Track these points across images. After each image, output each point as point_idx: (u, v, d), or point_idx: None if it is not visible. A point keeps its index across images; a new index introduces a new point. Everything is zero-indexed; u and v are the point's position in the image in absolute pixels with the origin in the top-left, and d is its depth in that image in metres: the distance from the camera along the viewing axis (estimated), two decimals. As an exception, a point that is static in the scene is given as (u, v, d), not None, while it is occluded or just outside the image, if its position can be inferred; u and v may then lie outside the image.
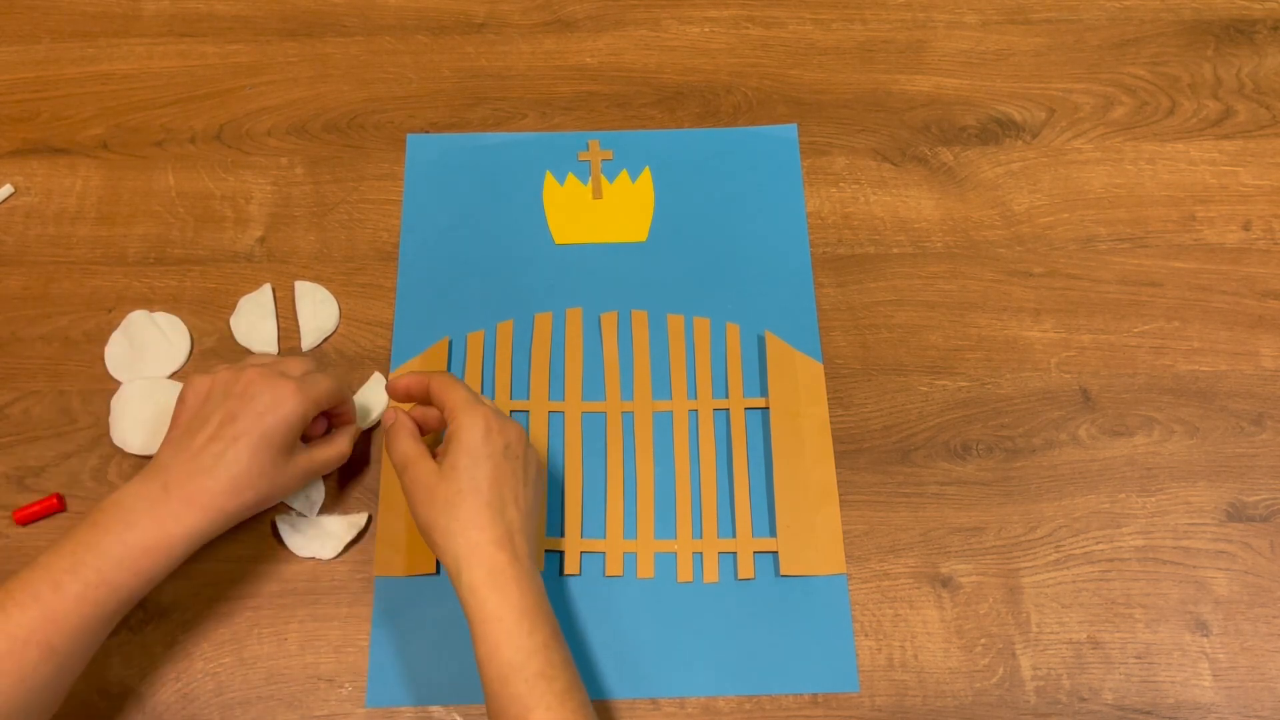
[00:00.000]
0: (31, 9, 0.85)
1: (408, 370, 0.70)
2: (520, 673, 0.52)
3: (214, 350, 0.71)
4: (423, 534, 0.57)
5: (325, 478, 0.67)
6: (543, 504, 0.62)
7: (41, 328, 0.72)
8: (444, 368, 0.71)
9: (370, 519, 0.66)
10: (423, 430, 0.63)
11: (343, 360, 0.71)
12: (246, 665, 0.62)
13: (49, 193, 0.77)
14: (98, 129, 0.80)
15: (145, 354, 0.71)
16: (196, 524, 0.56)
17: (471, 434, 0.57)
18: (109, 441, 0.68)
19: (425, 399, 0.62)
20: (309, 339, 0.71)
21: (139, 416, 0.68)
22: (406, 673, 0.62)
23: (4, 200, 0.77)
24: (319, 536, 0.65)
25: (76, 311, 0.73)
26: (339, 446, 0.64)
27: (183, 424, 0.60)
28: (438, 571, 0.64)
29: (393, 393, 0.62)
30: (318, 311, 0.72)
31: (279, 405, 0.59)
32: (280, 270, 0.74)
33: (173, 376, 0.70)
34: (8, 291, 0.74)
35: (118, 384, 0.70)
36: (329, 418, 0.66)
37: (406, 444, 0.59)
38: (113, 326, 0.72)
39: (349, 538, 0.65)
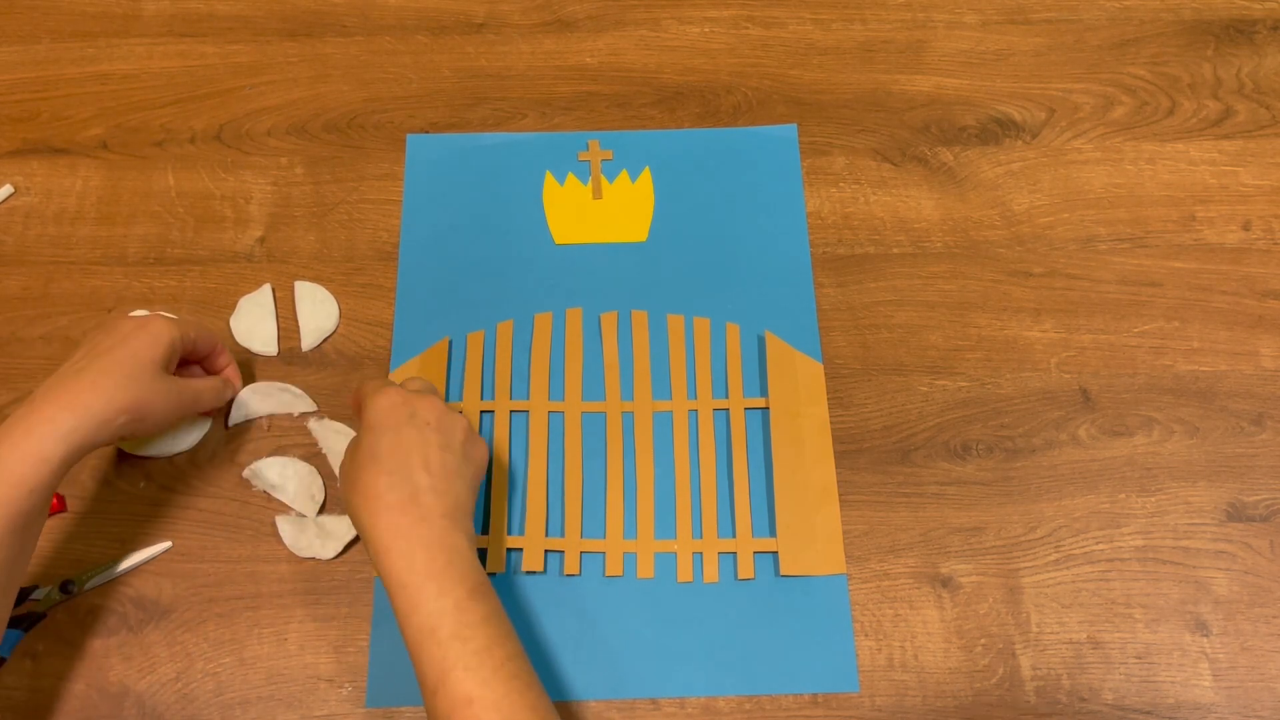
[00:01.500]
0: (31, 9, 0.85)
1: (406, 370, 0.70)
2: (433, 636, 0.52)
3: (214, 350, 0.71)
4: (345, 510, 0.58)
5: (326, 479, 0.67)
6: (479, 474, 0.61)
7: (41, 328, 0.72)
8: (444, 368, 0.71)
9: None
10: None
11: (343, 360, 0.71)
12: (246, 665, 0.62)
13: (49, 193, 0.77)
14: (98, 129, 0.80)
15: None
16: (66, 423, 0.56)
17: (374, 409, 0.58)
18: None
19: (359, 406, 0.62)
20: (309, 339, 0.71)
21: None
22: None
23: (4, 200, 0.77)
24: (320, 536, 0.65)
25: (76, 311, 0.73)
26: (215, 380, 0.66)
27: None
28: None
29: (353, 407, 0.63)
30: (317, 311, 0.72)
31: (144, 326, 0.61)
32: (280, 270, 0.74)
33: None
34: (8, 291, 0.74)
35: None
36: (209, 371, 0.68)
37: (357, 415, 0.60)
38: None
39: (349, 537, 0.65)
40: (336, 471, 0.67)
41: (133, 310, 0.72)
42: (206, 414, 0.68)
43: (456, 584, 0.53)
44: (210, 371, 0.68)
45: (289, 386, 0.70)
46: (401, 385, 0.60)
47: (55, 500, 0.66)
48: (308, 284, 0.73)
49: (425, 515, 0.55)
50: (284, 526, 0.65)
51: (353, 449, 0.58)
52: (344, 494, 0.58)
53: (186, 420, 0.67)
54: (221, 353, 0.68)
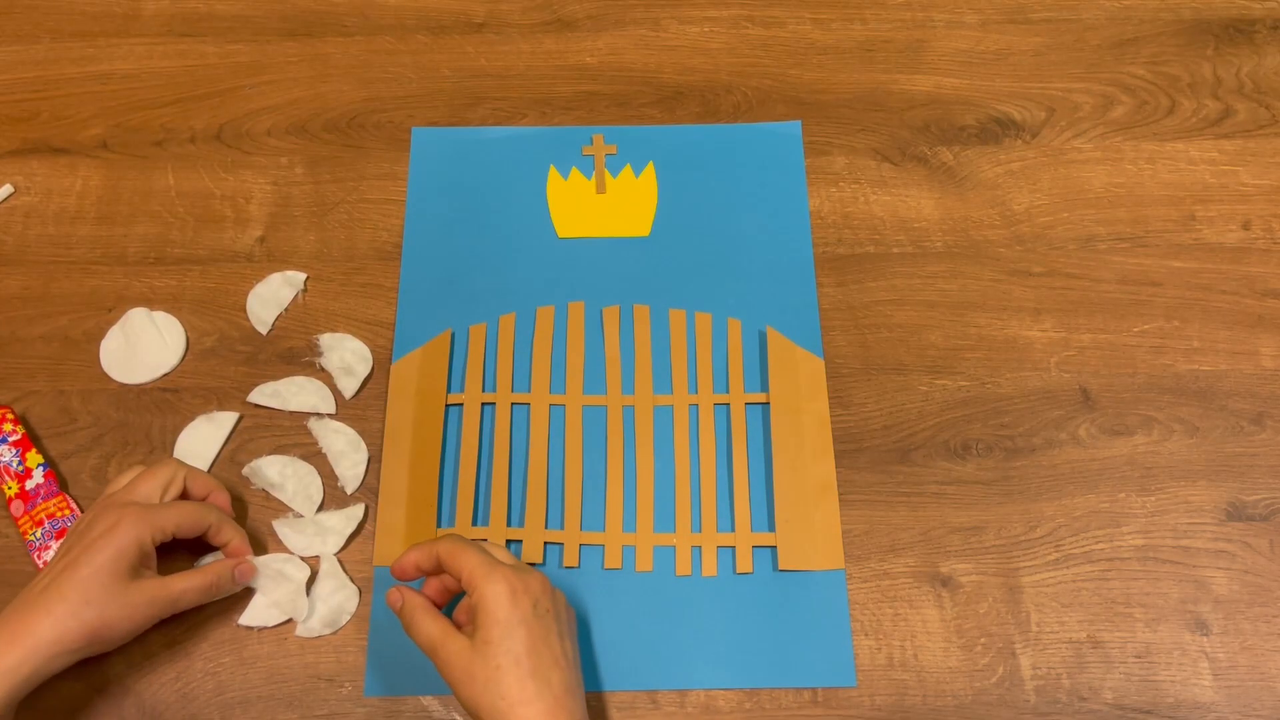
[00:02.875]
0: (31, 9, 0.85)
1: (409, 361, 0.70)
2: None
3: (213, 351, 0.71)
4: (469, 715, 0.54)
5: (325, 479, 0.67)
6: (576, 648, 0.59)
7: (41, 328, 0.72)
8: (446, 359, 0.71)
9: (367, 510, 0.66)
10: (437, 604, 0.60)
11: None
12: (246, 665, 0.62)
13: (49, 193, 0.77)
14: (98, 129, 0.80)
15: (140, 352, 0.71)
16: (11, 657, 0.53)
17: (497, 602, 0.54)
18: (109, 441, 0.68)
19: (435, 569, 0.58)
20: (349, 390, 0.70)
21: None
22: (405, 663, 0.62)
23: (4, 200, 0.77)
24: (319, 534, 0.65)
25: (76, 311, 0.73)
26: (204, 577, 0.60)
27: None
28: None
29: (401, 573, 0.59)
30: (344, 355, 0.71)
31: (112, 530, 0.57)
32: (280, 270, 0.74)
33: (165, 378, 0.70)
34: (8, 291, 0.74)
35: (115, 382, 0.70)
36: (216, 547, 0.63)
37: (428, 625, 0.56)
38: (112, 326, 0.72)
39: (349, 530, 0.65)
40: (337, 470, 0.67)
41: (132, 309, 0.72)
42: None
43: None
44: (215, 545, 0.63)
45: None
46: (488, 551, 0.57)
47: None
48: (337, 335, 0.72)
49: (572, 717, 0.54)
50: (283, 530, 0.65)
51: (481, 647, 0.54)
52: (472, 695, 0.53)
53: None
54: (218, 530, 0.62)
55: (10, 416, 0.67)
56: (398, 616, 0.58)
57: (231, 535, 0.63)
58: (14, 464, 0.66)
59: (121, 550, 0.57)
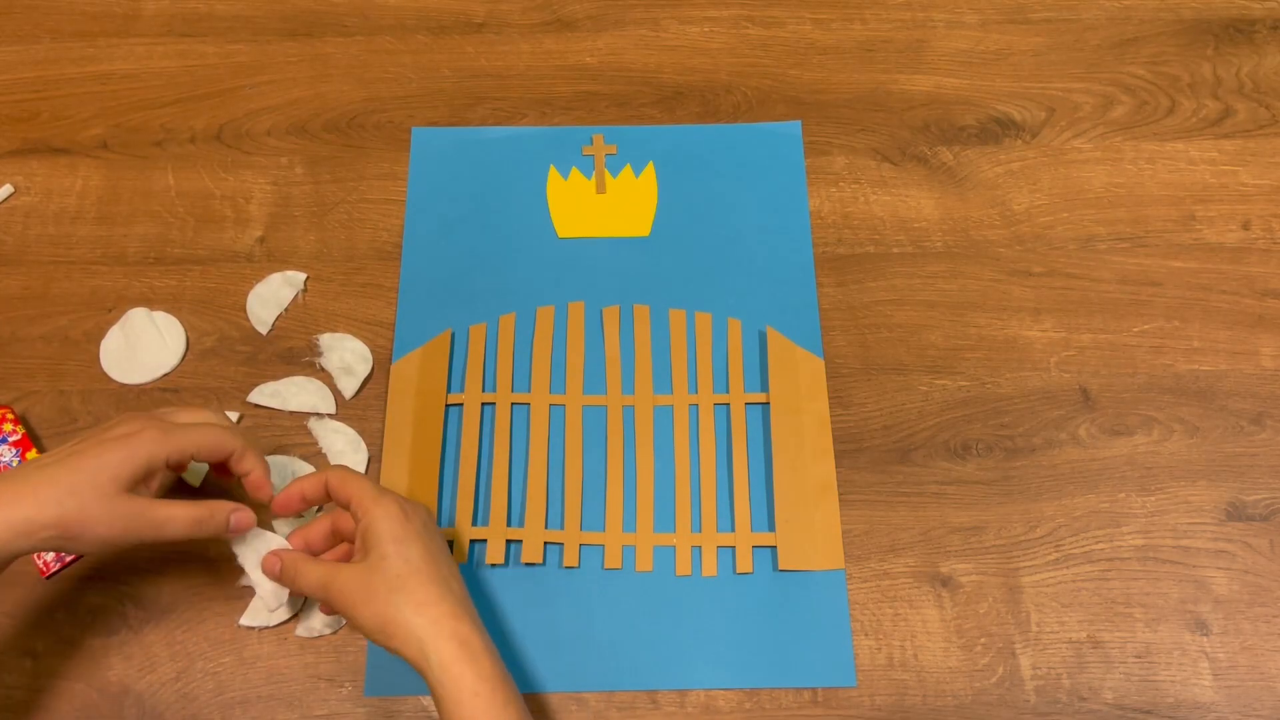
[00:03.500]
0: (31, 9, 0.85)
1: (409, 361, 0.70)
2: None
3: (213, 351, 0.71)
4: (376, 635, 0.54)
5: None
6: None
7: (41, 328, 0.72)
8: (446, 360, 0.71)
9: None
10: (312, 550, 0.60)
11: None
12: (246, 665, 0.62)
13: (49, 193, 0.77)
14: (98, 129, 0.80)
15: (140, 352, 0.71)
16: None
17: (391, 521, 0.56)
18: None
19: (321, 498, 0.59)
20: (349, 390, 0.70)
21: None
22: (405, 663, 0.62)
23: (4, 200, 0.77)
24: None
25: (76, 311, 0.73)
26: (196, 509, 0.57)
27: None
28: None
29: (285, 505, 0.59)
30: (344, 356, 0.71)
31: (129, 438, 0.55)
32: (280, 270, 0.74)
33: (165, 378, 0.70)
34: (8, 291, 0.74)
35: (115, 382, 0.70)
36: (230, 475, 0.61)
37: (312, 568, 0.57)
38: (112, 326, 0.72)
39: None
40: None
41: (132, 309, 0.72)
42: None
43: (513, 692, 0.54)
44: (236, 473, 0.60)
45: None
46: (369, 482, 0.58)
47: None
48: (336, 335, 0.72)
49: (475, 622, 0.55)
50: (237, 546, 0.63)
51: (378, 562, 0.54)
52: (374, 610, 0.53)
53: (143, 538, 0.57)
54: (242, 456, 0.59)
55: (10, 416, 0.67)
56: (278, 580, 0.58)
57: (254, 465, 0.60)
58: (14, 464, 0.66)
59: (129, 457, 0.54)
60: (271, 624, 0.63)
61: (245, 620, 0.63)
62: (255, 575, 0.60)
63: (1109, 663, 0.63)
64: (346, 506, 0.58)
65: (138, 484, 0.55)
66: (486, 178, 0.78)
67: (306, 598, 0.63)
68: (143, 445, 0.55)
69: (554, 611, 0.64)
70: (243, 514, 0.59)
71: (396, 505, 0.57)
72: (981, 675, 0.62)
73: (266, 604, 0.62)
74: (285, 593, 0.61)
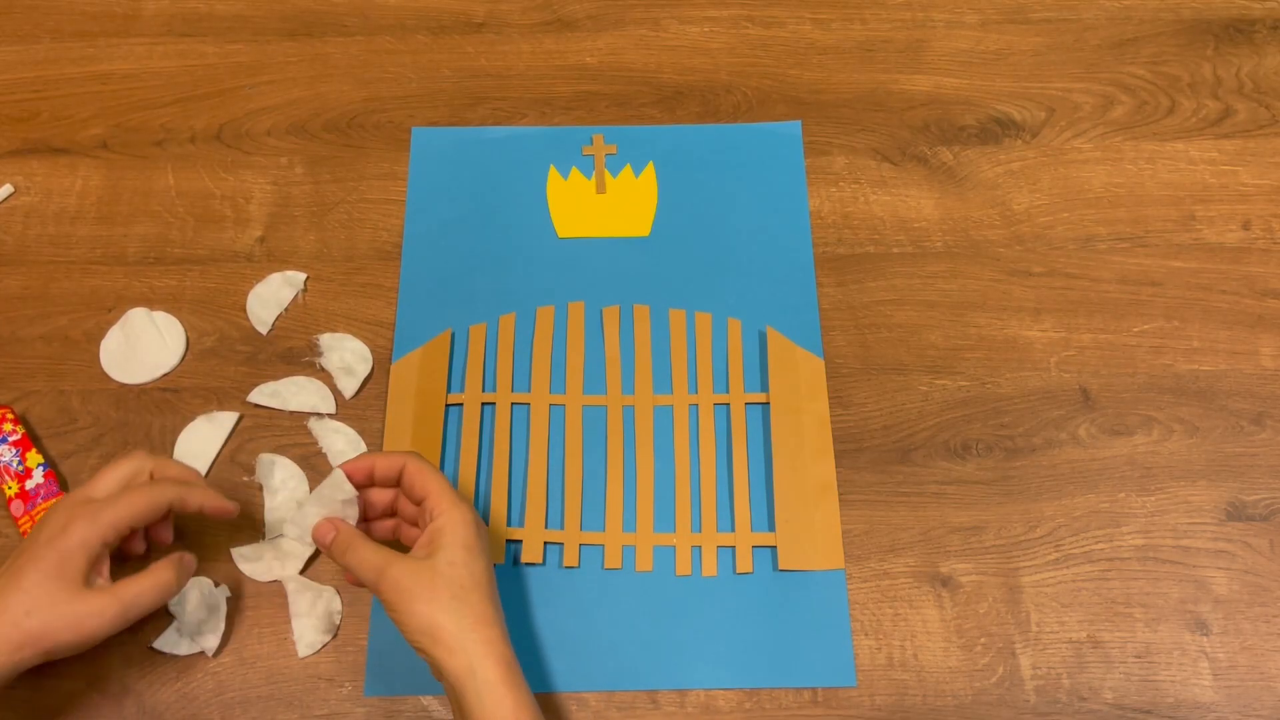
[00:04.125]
0: (31, 9, 0.85)
1: (409, 361, 0.70)
2: None
3: (213, 351, 0.71)
4: (419, 636, 0.53)
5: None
6: None
7: (41, 327, 0.72)
8: (446, 359, 0.71)
9: None
10: (367, 516, 0.60)
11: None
12: (246, 665, 0.62)
13: (49, 193, 0.77)
14: (98, 129, 0.80)
15: (139, 352, 0.71)
16: None
17: (467, 529, 0.55)
18: (109, 441, 0.68)
19: (391, 483, 0.59)
20: (349, 390, 0.70)
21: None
22: (404, 663, 0.62)
23: (4, 200, 0.77)
24: (278, 558, 0.64)
25: (76, 311, 0.73)
26: (151, 577, 0.56)
27: None
28: None
29: (353, 471, 0.58)
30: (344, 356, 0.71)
31: (60, 534, 0.54)
32: (280, 270, 0.74)
33: (165, 378, 0.70)
34: (8, 291, 0.74)
35: (115, 382, 0.70)
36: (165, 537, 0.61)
37: (370, 551, 0.55)
38: (112, 325, 0.72)
39: (308, 554, 0.65)
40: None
41: (132, 309, 0.72)
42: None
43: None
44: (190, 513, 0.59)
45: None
46: (447, 481, 0.57)
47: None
48: (336, 335, 0.72)
49: (509, 645, 0.54)
50: (239, 556, 0.64)
51: (447, 568, 0.54)
52: (431, 613, 0.53)
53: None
54: (185, 502, 0.57)
55: (10, 416, 0.67)
56: (326, 549, 0.56)
57: (201, 499, 0.58)
58: (14, 464, 0.66)
59: (67, 555, 0.53)
60: (180, 653, 0.62)
61: (158, 644, 0.62)
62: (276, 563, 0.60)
63: (1109, 663, 0.63)
64: (419, 499, 0.57)
65: (89, 576, 0.55)
66: (486, 178, 0.78)
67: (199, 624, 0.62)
68: (74, 536, 0.54)
69: (554, 611, 0.64)
70: (188, 557, 0.59)
71: (473, 514, 0.56)
72: (981, 675, 0.62)
73: (195, 642, 0.61)
74: (217, 634, 0.61)
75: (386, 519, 0.61)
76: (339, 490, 0.58)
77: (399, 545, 0.61)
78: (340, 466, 0.58)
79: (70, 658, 0.60)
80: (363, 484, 0.59)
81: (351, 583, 0.60)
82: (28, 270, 0.74)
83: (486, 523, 0.66)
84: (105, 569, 0.56)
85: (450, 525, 0.55)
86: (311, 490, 0.63)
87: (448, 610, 0.53)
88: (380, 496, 0.60)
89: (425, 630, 0.53)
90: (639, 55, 0.83)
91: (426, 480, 0.57)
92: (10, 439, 0.67)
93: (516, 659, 0.54)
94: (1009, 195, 0.77)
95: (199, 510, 0.59)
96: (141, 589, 0.55)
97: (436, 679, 0.54)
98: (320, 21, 0.85)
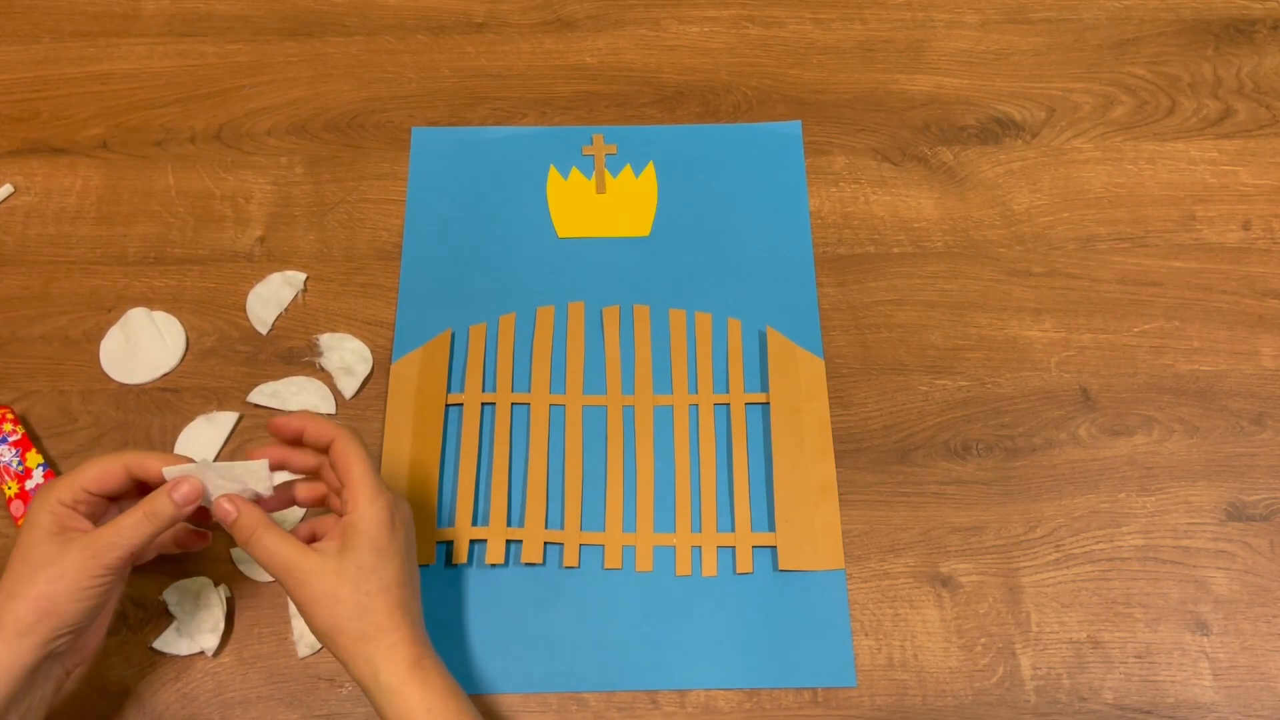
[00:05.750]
0: (31, 9, 0.85)
1: (409, 361, 0.70)
2: None
3: (213, 351, 0.71)
4: (322, 637, 0.53)
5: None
6: None
7: (41, 327, 0.72)
8: (446, 360, 0.70)
9: None
10: (288, 466, 0.57)
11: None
12: (246, 665, 0.62)
13: (49, 193, 0.77)
14: (98, 129, 0.80)
15: (140, 352, 0.71)
16: None
17: (379, 529, 0.53)
18: (109, 441, 0.68)
19: (322, 449, 0.56)
20: (348, 390, 0.70)
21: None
22: None
23: (4, 200, 0.77)
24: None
25: (76, 311, 0.73)
26: (135, 512, 0.53)
27: None
28: (435, 561, 0.64)
29: (279, 429, 0.56)
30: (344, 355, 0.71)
31: (31, 511, 0.53)
32: (280, 270, 0.74)
33: (165, 378, 0.70)
34: (8, 291, 0.74)
35: (115, 382, 0.70)
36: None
37: (276, 542, 0.53)
38: (112, 325, 0.72)
39: None
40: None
41: (132, 309, 0.72)
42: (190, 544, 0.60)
43: (466, 704, 0.53)
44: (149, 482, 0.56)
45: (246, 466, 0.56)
46: (380, 480, 0.55)
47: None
48: (336, 335, 0.72)
49: (426, 641, 0.54)
50: (239, 559, 0.64)
51: (354, 571, 0.52)
52: (333, 620, 0.52)
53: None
54: (143, 466, 0.55)
55: (10, 416, 0.67)
56: (229, 529, 0.54)
57: (156, 461, 0.55)
58: (14, 464, 0.66)
59: (33, 525, 0.53)
60: (182, 653, 0.62)
61: (158, 645, 0.62)
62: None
63: (1109, 663, 0.63)
64: (339, 483, 0.55)
65: (62, 534, 0.53)
66: (486, 178, 0.78)
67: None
68: (35, 507, 0.53)
69: (554, 611, 0.64)
70: (184, 487, 0.54)
71: (387, 511, 0.54)
72: (981, 675, 0.62)
73: (196, 642, 0.61)
74: (218, 634, 0.60)
75: (315, 482, 0.59)
76: (255, 479, 0.55)
77: (325, 512, 0.59)
78: (265, 453, 0.56)
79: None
80: (291, 440, 0.57)
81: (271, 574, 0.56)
82: (28, 270, 0.74)
83: (484, 523, 0.66)
84: (79, 523, 0.54)
85: (363, 524, 0.53)
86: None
87: (351, 617, 0.52)
88: (309, 460, 0.58)
89: (327, 633, 0.53)
90: (639, 55, 0.83)
91: (350, 465, 0.54)
92: (10, 439, 0.67)
93: (430, 653, 0.53)
94: (1009, 195, 0.77)
95: (155, 479, 0.56)
96: (121, 525, 0.53)
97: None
98: (320, 21, 0.85)
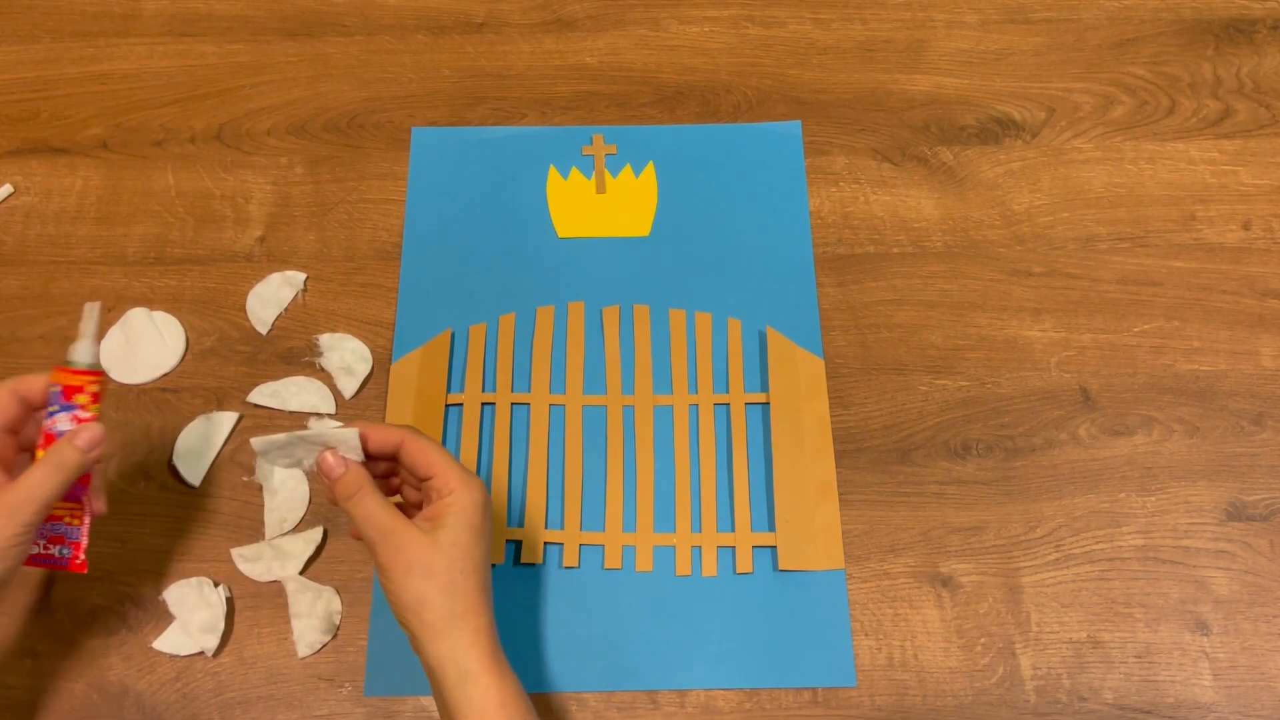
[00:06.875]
0: (31, 9, 0.85)
1: (409, 361, 0.70)
2: None
3: (213, 351, 0.71)
4: (405, 611, 0.52)
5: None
6: None
7: (41, 327, 0.72)
8: (446, 359, 0.71)
9: (326, 534, 0.66)
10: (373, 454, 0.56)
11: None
12: (246, 665, 0.62)
13: (49, 193, 0.77)
14: (98, 129, 0.80)
15: (139, 352, 0.71)
16: None
17: (476, 511, 0.53)
18: (109, 441, 0.68)
19: (387, 456, 0.56)
20: (348, 390, 0.70)
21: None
22: (404, 663, 0.62)
23: (4, 200, 0.77)
24: (278, 558, 0.64)
25: (76, 311, 0.72)
26: (43, 462, 0.53)
27: None
28: None
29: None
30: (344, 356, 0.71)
31: None
32: (280, 270, 0.74)
33: (165, 378, 0.70)
34: (8, 291, 0.74)
35: (115, 382, 0.70)
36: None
37: (378, 506, 0.53)
38: (111, 326, 0.72)
39: (308, 554, 0.65)
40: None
41: (132, 309, 0.72)
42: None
43: (529, 710, 0.52)
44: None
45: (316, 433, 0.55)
46: (452, 456, 0.55)
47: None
48: (336, 335, 0.72)
49: (496, 638, 0.53)
50: (238, 557, 0.64)
51: (450, 549, 0.52)
52: (424, 592, 0.51)
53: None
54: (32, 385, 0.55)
55: (93, 390, 0.56)
56: (331, 484, 0.53)
57: (38, 380, 0.55)
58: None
59: None
60: (182, 653, 0.62)
61: (159, 645, 0.62)
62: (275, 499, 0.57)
63: (1109, 663, 0.63)
64: (424, 477, 0.54)
65: None
66: (486, 178, 0.78)
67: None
68: None
69: (554, 611, 0.64)
70: (85, 434, 0.54)
71: (483, 494, 0.54)
72: (982, 675, 0.62)
73: (196, 642, 0.61)
74: (217, 633, 0.61)
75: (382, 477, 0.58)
76: (347, 448, 0.54)
77: None
78: (354, 425, 0.55)
79: (72, 658, 0.59)
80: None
81: (353, 535, 0.57)
82: (28, 270, 0.74)
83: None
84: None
85: (459, 504, 0.53)
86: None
87: (442, 591, 0.51)
88: (374, 470, 0.57)
89: (413, 607, 0.51)
90: (639, 55, 0.83)
91: (430, 456, 0.54)
92: (78, 411, 0.56)
93: (503, 652, 0.53)
94: (1009, 195, 0.77)
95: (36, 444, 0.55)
96: (33, 477, 0.53)
97: (415, 653, 0.53)
98: (320, 21, 0.85)
